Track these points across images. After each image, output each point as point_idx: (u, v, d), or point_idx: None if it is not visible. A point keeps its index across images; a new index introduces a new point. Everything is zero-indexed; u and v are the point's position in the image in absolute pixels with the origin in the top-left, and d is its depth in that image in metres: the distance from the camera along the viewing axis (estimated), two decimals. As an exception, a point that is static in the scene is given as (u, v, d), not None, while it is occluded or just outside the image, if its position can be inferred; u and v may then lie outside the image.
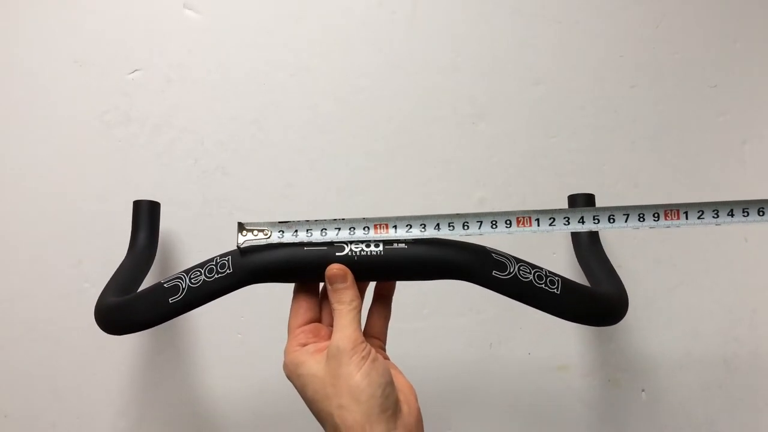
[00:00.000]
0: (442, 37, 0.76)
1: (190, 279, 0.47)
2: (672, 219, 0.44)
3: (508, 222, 0.45)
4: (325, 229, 0.45)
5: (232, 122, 0.73)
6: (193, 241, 0.71)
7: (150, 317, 0.47)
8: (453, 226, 0.45)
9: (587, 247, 0.66)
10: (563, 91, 0.75)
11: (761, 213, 0.43)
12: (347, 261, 0.45)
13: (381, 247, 0.46)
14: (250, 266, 0.46)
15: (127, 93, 0.73)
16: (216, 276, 0.46)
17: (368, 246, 0.46)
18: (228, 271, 0.46)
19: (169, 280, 0.47)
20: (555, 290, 0.48)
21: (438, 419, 0.71)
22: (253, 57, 0.74)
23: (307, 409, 0.43)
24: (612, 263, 0.72)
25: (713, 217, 0.43)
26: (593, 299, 0.51)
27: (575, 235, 0.68)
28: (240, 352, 0.70)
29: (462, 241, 0.47)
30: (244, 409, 0.70)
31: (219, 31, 0.74)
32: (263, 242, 0.46)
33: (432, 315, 0.71)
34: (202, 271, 0.47)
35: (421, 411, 0.43)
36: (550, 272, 0.49)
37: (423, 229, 0.45)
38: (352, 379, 0.40)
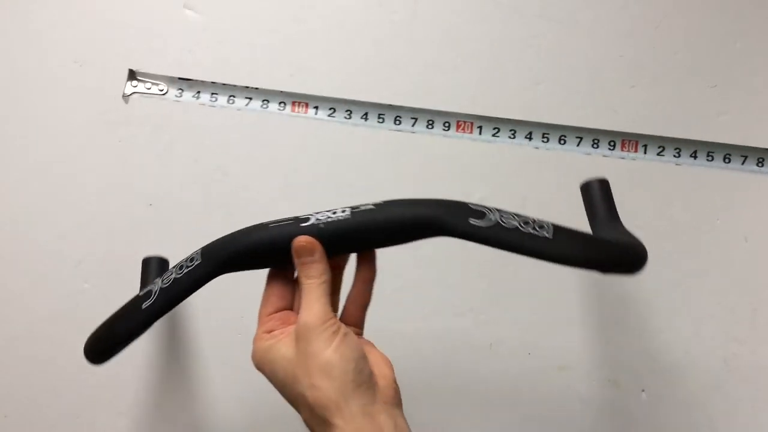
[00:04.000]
0: (442, 37, 0.76)
1: (162, 281, 0.44)
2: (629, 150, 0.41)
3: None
4: (233, 96, 0.42)
5: (232, 122, 0.73)
6: (192, 242, 0.71)
7: (125, 330, 0.44)
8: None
9: (606, 224, 0.56)
10: (563, 91, 0.75)
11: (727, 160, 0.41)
12: (314, 231, 0.42)
13: (348, 212, 0.43)
14: (219, 254, 0.43)
15: (128, 93, 0.73)
16: (186, 270, 0.44)
17: (334, 213, 0.43)
18: (197, 262, 0.43)
19: (145, 289, 0.45)
20: (546, 234, 0.44)
21: (438, 419, 0.71)
22: (253, 57, 0.74)
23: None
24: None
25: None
26: (595, 242, 0.47)
27: (592, 214, 0.58)
28: (240, 353, 0.70)
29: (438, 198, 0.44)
30: (245, 410, 0.70)
31: (219, 31, 0.74)
32: (157, 96, 0.42)
33: (432, 315, 0.71)
34: (173, 270, 0.44)
35: (400, 390, 0.41)
36: (538, 218, 0.45)
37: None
38: (322, 356, 0.38)
